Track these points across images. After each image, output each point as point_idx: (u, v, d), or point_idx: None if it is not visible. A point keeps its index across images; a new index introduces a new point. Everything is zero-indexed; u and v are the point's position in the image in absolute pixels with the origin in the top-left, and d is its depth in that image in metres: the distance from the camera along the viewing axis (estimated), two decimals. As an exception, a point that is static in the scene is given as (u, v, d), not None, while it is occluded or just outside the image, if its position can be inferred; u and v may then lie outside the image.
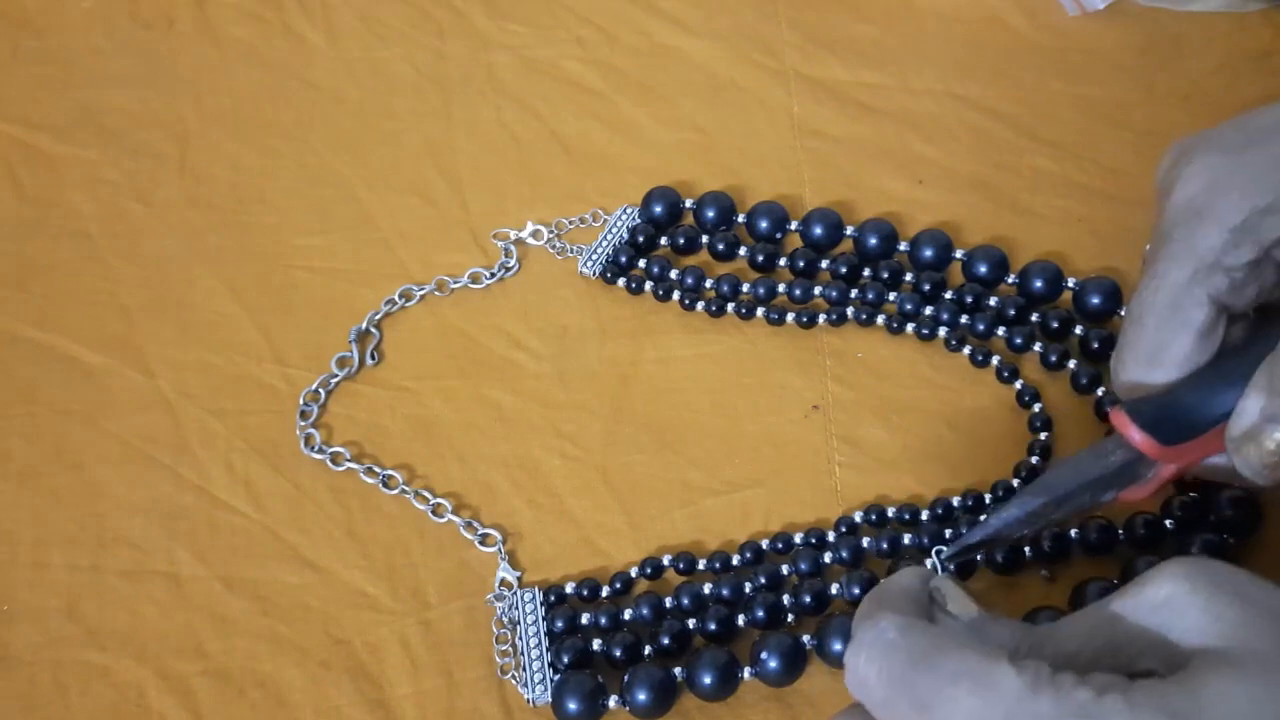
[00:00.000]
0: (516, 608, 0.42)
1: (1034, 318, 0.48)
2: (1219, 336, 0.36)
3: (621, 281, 0.50)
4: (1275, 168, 0.34)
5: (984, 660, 0.28)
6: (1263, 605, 0.28)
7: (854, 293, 0.49)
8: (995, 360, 0.47)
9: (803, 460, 0.46)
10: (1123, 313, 0.47)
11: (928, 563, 0.41)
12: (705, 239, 0.51)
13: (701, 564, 0.43)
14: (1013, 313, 0.47)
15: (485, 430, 0.47)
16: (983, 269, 0.49)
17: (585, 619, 0.42)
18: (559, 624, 0.42)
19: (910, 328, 0.48)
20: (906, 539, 0.42)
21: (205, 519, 0.45)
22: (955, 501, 0.44)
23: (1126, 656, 0.29)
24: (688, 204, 0.52)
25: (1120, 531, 0.42)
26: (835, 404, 0.47)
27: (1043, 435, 0.45)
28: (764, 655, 0.40)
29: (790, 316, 0.49)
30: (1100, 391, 0.46)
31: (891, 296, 0.49)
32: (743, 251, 0.50)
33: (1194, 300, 0.36)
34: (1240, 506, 0.41)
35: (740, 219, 0.52)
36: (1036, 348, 0.47)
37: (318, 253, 0.52)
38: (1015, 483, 0.44)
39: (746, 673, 0.40)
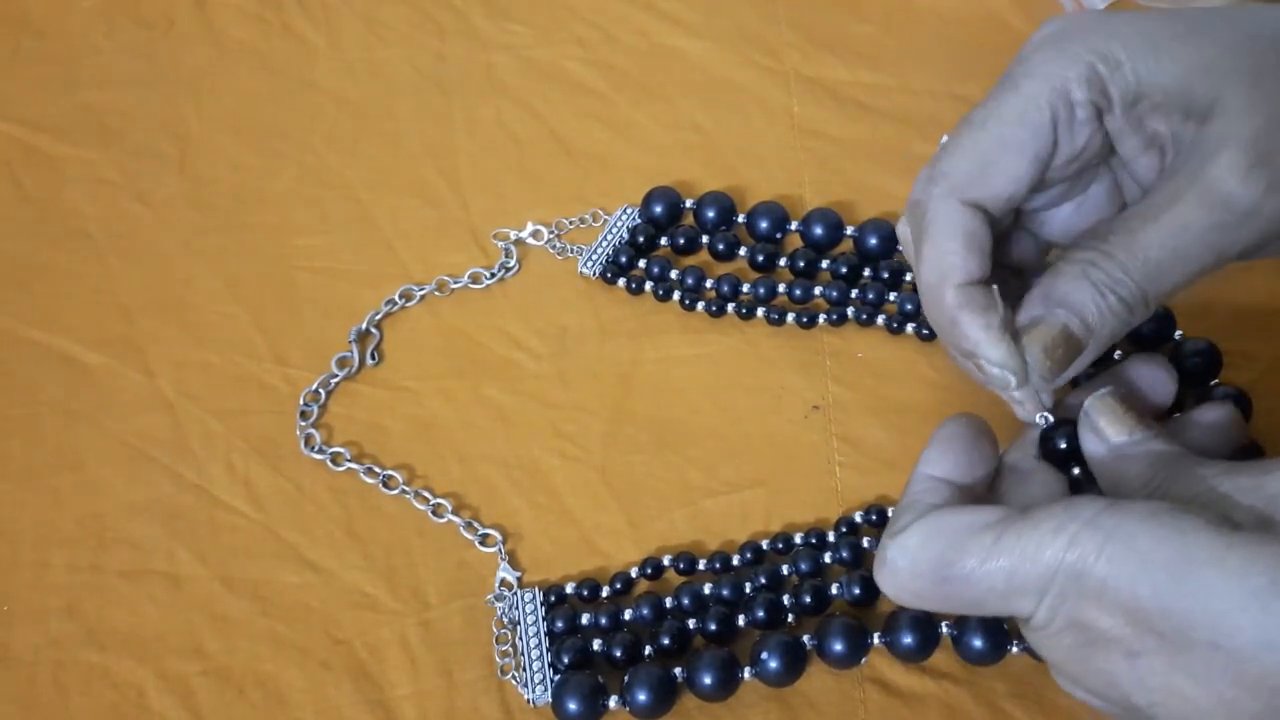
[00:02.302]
0: (516, 608, 0.42)
1: (1034, 318, 0.48)
2: (1045, 164, 0.35)
3: (622, 281, 0.50)
4: (1139, 31, 0.34)
5: (992, 540, 0.30)
6: None
7: (854, 293, 0.49)
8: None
9: (803, 460, 0.46)
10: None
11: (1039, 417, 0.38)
12: (705, 239, 0.51)
13: (702, 564, 0.43)
14: (1013, 313, 0.47)
15: (485, 430, 0.47)
16: (983, 269, 0.49)
17: (585, 619, 0.42)
18: (559, 624, 0.42)
19: (910, 328, 0.48)
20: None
21: (205, 519, 0.45)
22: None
23: (1241, 517, 0.29)
24: (688, 204, 0.52)
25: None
26: (835, 404, 0.47)
27: (1043, 435, 0.45)
28: (764, 655, 0.40)
29: (790, 316, 0.49)
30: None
31: (892, 296, 0.49)
32: (743, 251, 0.50)
33: (1038, 110, 0.34)
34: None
35: (740, 219, 0.52)
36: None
37: (318, 253, 0.52)
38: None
39: (747, 673, 0.40)
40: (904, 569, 0.31)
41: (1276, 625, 0.26)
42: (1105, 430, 0.33)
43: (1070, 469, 0.36)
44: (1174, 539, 0.28)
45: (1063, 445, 0.35)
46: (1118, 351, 0.45)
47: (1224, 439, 0.36)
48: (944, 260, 0.34)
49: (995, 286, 0.34)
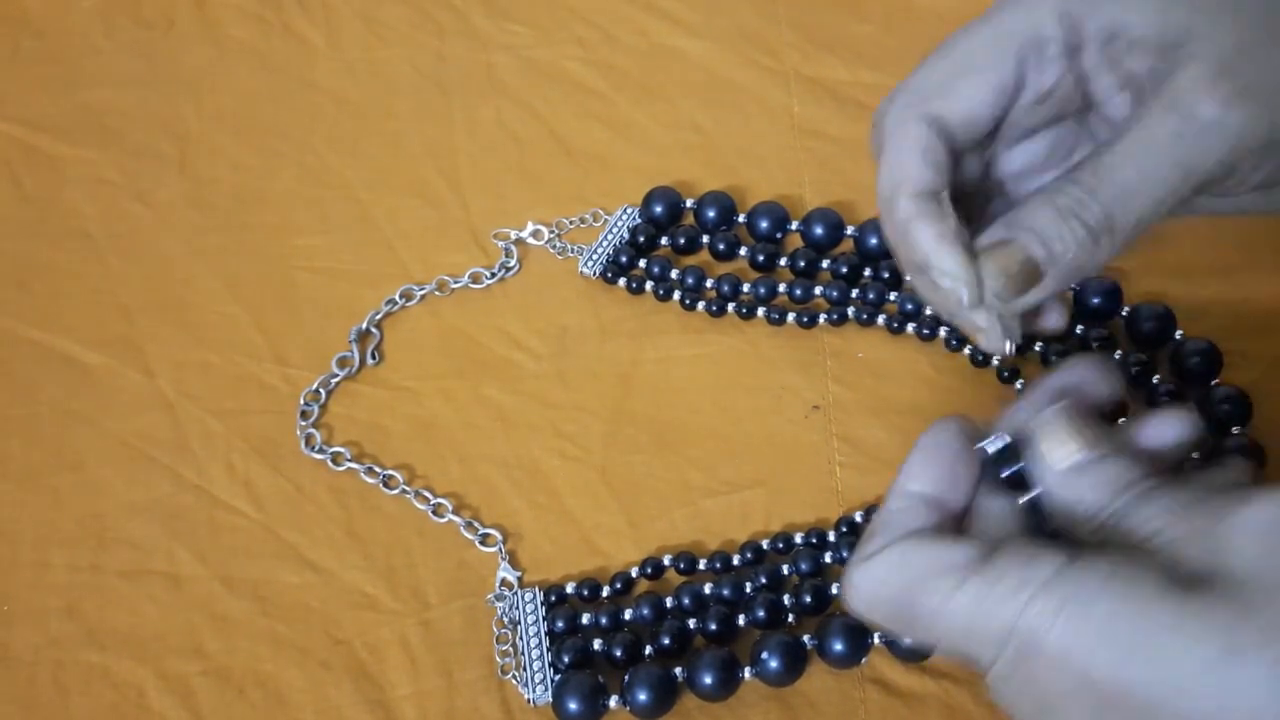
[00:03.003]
0: (517, 608, 0.42)
1: (1034, 318, 0.48)
2: (1008, 94, 0.35)
3: (622, 281, 0.50)
4: None
5: (950, 587, 0.29)
6: None
7: (854, 292, 0.49)
8: (995, 360, 0.47)
9: (803, 460, 0.46)
10: (1123, 313, 0.47)
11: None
12: (705, 239, 0.51)
13: (702, 564, 0.43)
14: (1013, 313, 0.47)
15: (485, 430, 0.47)
16: (983, 269, 0.49)
17: (586, 619, 0.42)
18: (559, 624, 0.42)
19: (911, 328, 0.48)
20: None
21: (205, 519, 0.45)
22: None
23: (1187, 553, 0.28)
24: (688, 204, 0.52)
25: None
26: (836, 404, 0.47)
27: (1043, 435, 0.45)
28: (764, 655, 0.40)
29: (791, 316, 0.49)
30: (1101, 391, 0.46)
31: (892, 296, 0.49)
32: (743, 251, 0.50)
33: (1008, 38, 0.35)
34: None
35: (740, 219, 0.52)
36: (1037, 347, 0.47)
37: (318, 253, 0.52)
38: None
39: (747, 673, 0.40)
40: (867, 596, 0.31)
41: (1233, 693, 0.26)
42: (1051, 456, 0.31)
43: (1024, 490, 0.33)
44: (1132, 605, 0.27)
45: (1005, 474, 0.33)
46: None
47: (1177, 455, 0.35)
48: (898, 170, 0.34)
49: (946, 193, 0.34)
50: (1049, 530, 0.32)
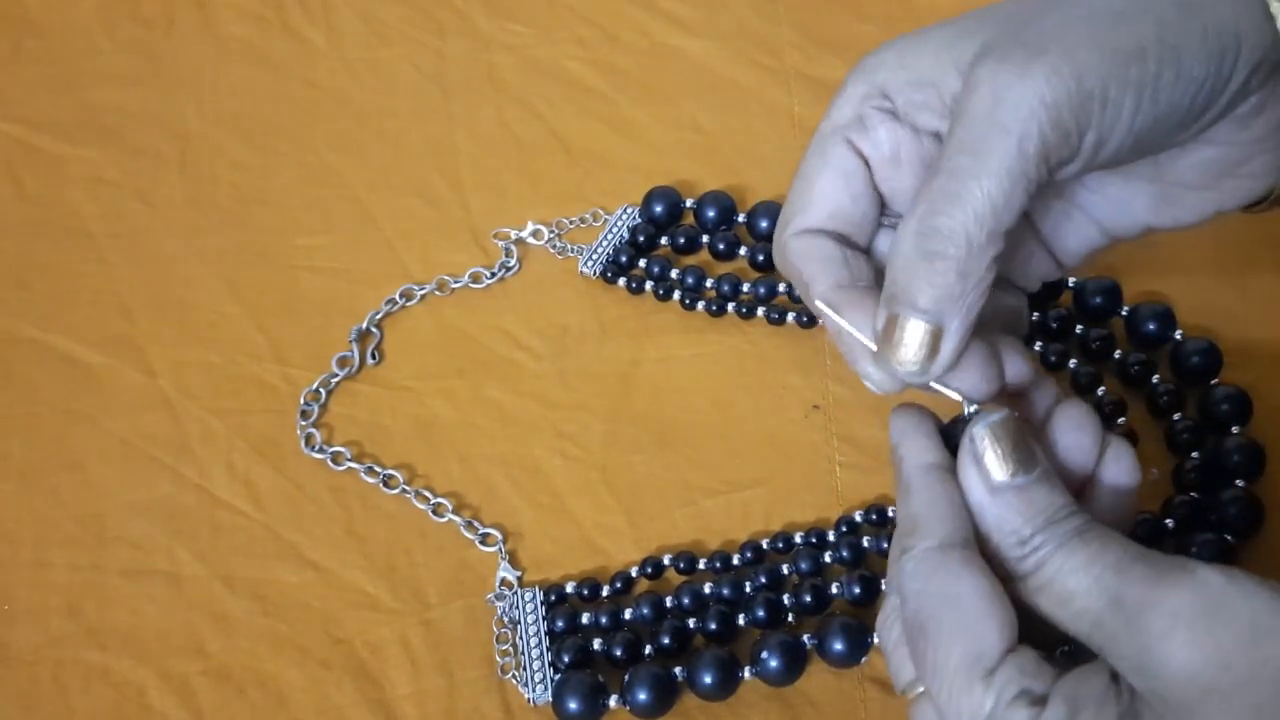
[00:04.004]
0: (517, 607, 0.42)
1: (1034, 317, 0.48)
2: (858, 176, 0.35)
3: (622, 281, 0.50)
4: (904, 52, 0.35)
5: (969, 663, 0.29)
6: (1251, 667, 0.27)
7: (854, 292, 0.49)
8: (995, 360, 0.47)
9: (803, 460, 0.46)
10: (1123, 312, 0.47)
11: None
12: (706, 238, 0.51)
13: (702, 563, 0.43)
14: (1013, 312, 0.47)
15: (486, 430, 0.47)
16: (983, 269, 0.49)
17: (586, 618, 0.42)
18: (559, 623, 0.42)
19: (910, 327, 0.48)
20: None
21: (206, 519, 0.45)
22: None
23: (1106, 642, 0.29)
24: (688, 204, 0.52)
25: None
26: (836, 403, 0.47)
27: (1043, 435, 0.45)
28: (765, 655, 0.40)
29: (791, 316, 0.49)
30: (1101, 391, 0.46)
31: (892, 296, 0.48)
32: (743, 251, 0.50)
33: (827, 136, 0.36)
34: (1241, 506, 0.41)
35: (740, 219, 0.52)
36: (1036, 347, 0.47)
37: (319, 252, 0.52)
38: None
39: (747, 672, 0.40)
40: (908, 591, 0.31)
41: None
42: (989, 466, 0.31)
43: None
44: None
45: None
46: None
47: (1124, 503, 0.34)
48: (809, 277, 0.35)
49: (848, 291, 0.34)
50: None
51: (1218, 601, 0.27)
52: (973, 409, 0.32)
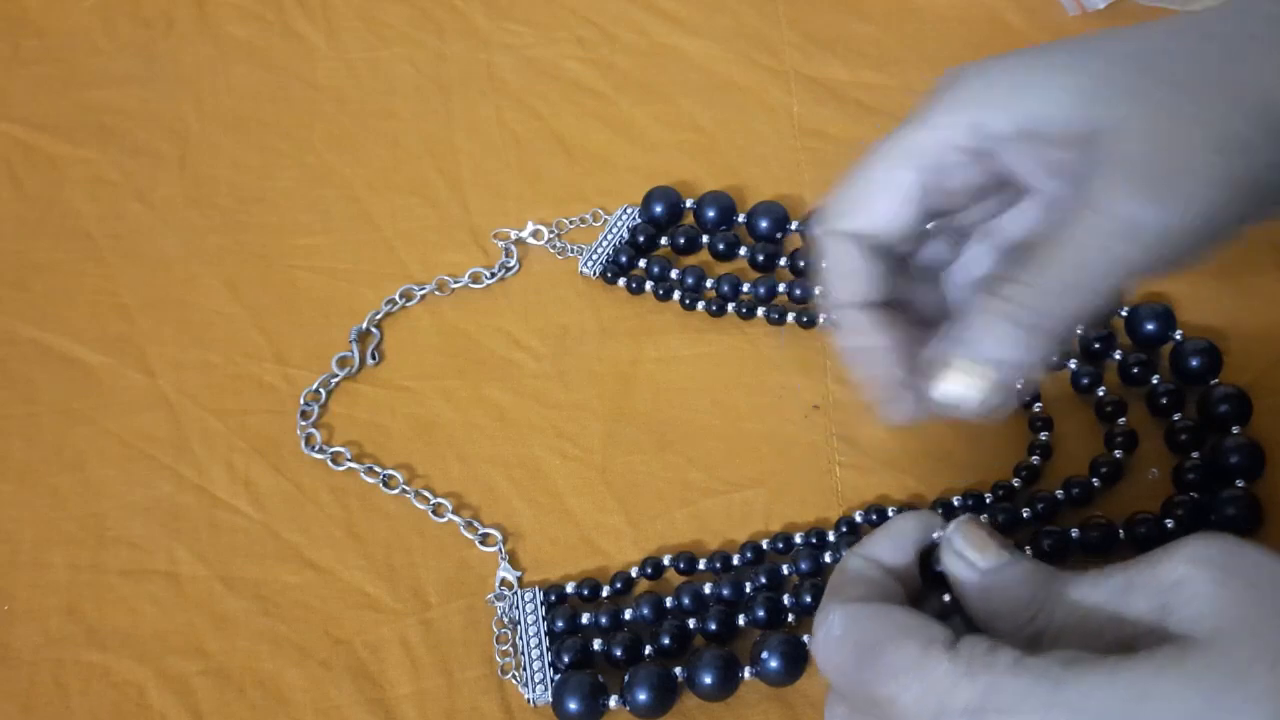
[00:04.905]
0: (517, 607, 0.42)
1: (1034, 317, 0.48)
2: (919, 202, 0.36)
3: (622, 281, 0.50)
4: (1017, 69, 0.35)
5: (920, 652, 0.29)
6: (1271, 600, 0.28)
7: (854, 293, 0.49)
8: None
9: (803, 460, 0.46)
10: (1123, 313, 0.47)
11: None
12: (705, 239, 0.51)
13: (702, 564, 0.43)
14: (1013, 312, 0.47)
15: (485, 430, 0.47)
16: (983, 269, 0.49)
17: (586, 619, 0.42)
18: (559, 624, 0.42)
19: (910, 327, 0.48)
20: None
21: (205, 519, 0.45)
22: (956, 501, 0.44)
23: (1132, 628, 0.29)
24: (688, 204, 0.52)
25: (1120, 531, 0.42)
26: (835, 404, 0.47)
27: (1043, 435, 0.45)
28: (765, 655, 0.40)
29: (791, 316, 0.49)
30: (1101, 392, 0.46)
31: (892, 296, 0.49)
32: (743, 251, 0.50)
33: (911, 157, 0.36)
34: (1241, 506, 0.41)
35: (740, 219, 0.52)
36: (1037, 347, 0.47)
37: (318, 252, 0.52)
38: (1015, 483, 0.44)
39: (747, 672, 0.40)
40: (838, 635, 0.31)
41: None
42: (971, 556, 0.32)
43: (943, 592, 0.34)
44: (1099, 686, 0.27)
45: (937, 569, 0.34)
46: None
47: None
48: (835, 285, 0.37)
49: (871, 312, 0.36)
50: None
51: (1233, 551, 0.29)
52: (937, 535, 0.34)
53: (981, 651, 0.29)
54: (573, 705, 0.40)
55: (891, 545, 0.34)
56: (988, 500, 0.44)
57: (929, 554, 0.34)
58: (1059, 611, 0.30)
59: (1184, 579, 0.28)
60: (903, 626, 0.30)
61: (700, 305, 0.49)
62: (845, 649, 0.31)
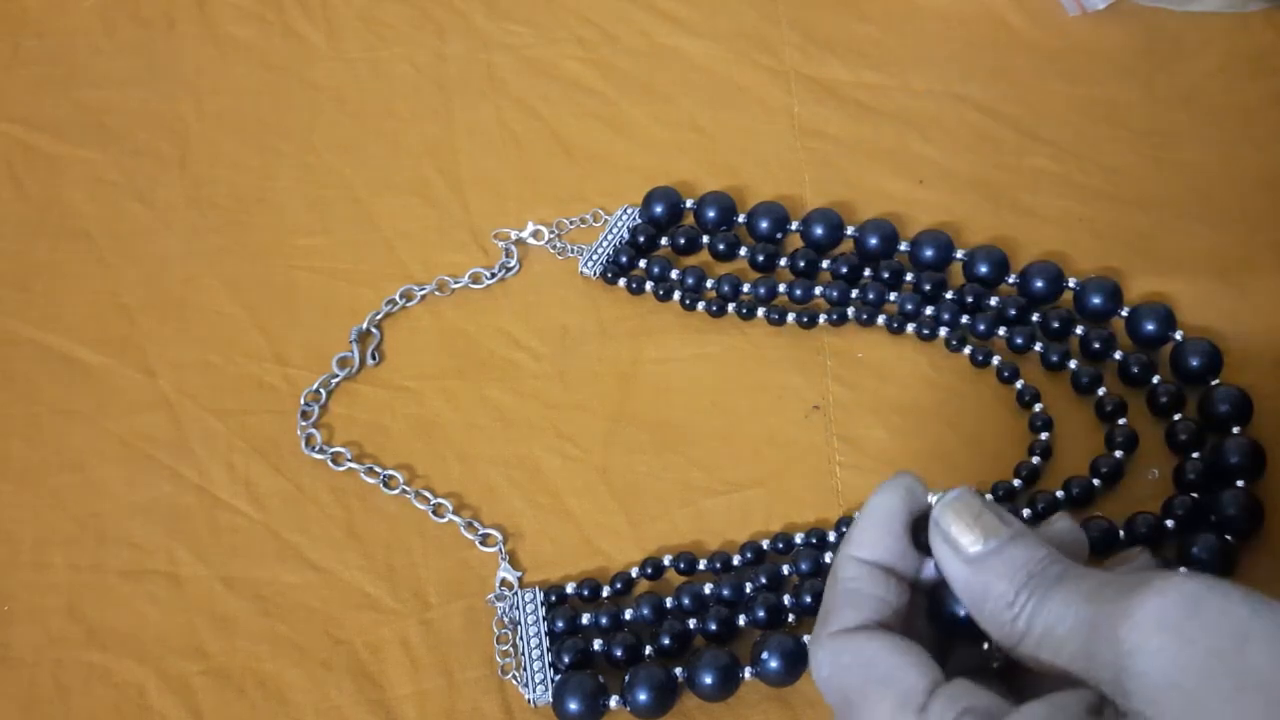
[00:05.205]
0: (517, 608, 0.42)
1: (1034, 318, 0.48)
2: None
3: (622, 282, 0.50)
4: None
5: (891, 713, 0.28)
6: (1237, 668, 0.25)
7: (854, 293, 0.49)
8: (996, 360, 0.47)
9: (803, 460, 0.46)
10: (1123, 313, 0.47)
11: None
12: (706, 239, 0.51)
13: (702, 564, 0.43)
14: (1013, 313, 0.47)
15: (486, 430, 0.47)
16: (983, 269, 0.49)
17: (586, 619, 0.42)
18: (560, 624, 0.42)
19: (911, 328, 0.48)
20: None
21: (206, 519, 0.45)
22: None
23: (1094, 675, 0.27)
24: (688, 204, 0.52)
25: (1120, 532, 0.42)
26: (836, 404, 0.47)
27: (1043, 435, 0.45)
28: (765, 655, 0.40)
29: (791, 317, 0.49)
30: (1101, 392, 0.46)
31: (892, 296, 0.49)
32: (743, 252, 0.50)
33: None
34: (1241, 506, 0.41)
35: (740, 219, 0.52)
36: (1037, 348, 0.47)
37: (318, 253, 0.52)
38: (1016, 483, 0.44)
39: (747, 673, 0.40)
40: (826, 674, 0.31)
41: None
42: (960, 541, 0.30)
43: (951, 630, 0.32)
44: None
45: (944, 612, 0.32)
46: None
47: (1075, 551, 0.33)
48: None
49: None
50: (953, 616, 0.31)
51: (1191, 608, 0.26)
52: (933, 498, 0.32)
53: (952, 714, 0.27)
54: (573, 705, 0.40)
55: (876, 534, 0.32)
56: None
57: (921, 522, 0.32)
58: (1039, 619, 0.29)
59: (1138, 648, 0.26)
60: (882, 677, 0.29)
61: (700, 306, 0.49)
62: (831, 692, 0.30)
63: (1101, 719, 0.27)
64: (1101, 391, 0.46)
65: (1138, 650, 0.26)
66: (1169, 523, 0.42)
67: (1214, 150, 0.53)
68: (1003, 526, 0.30)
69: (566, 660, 0.41)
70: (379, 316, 0.50)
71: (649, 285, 0.50)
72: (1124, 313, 0.47)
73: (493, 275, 0.51)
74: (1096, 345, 0.47)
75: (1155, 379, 0.46)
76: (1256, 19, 0.57)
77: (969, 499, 0.31)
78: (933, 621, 0.32)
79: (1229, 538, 0.41)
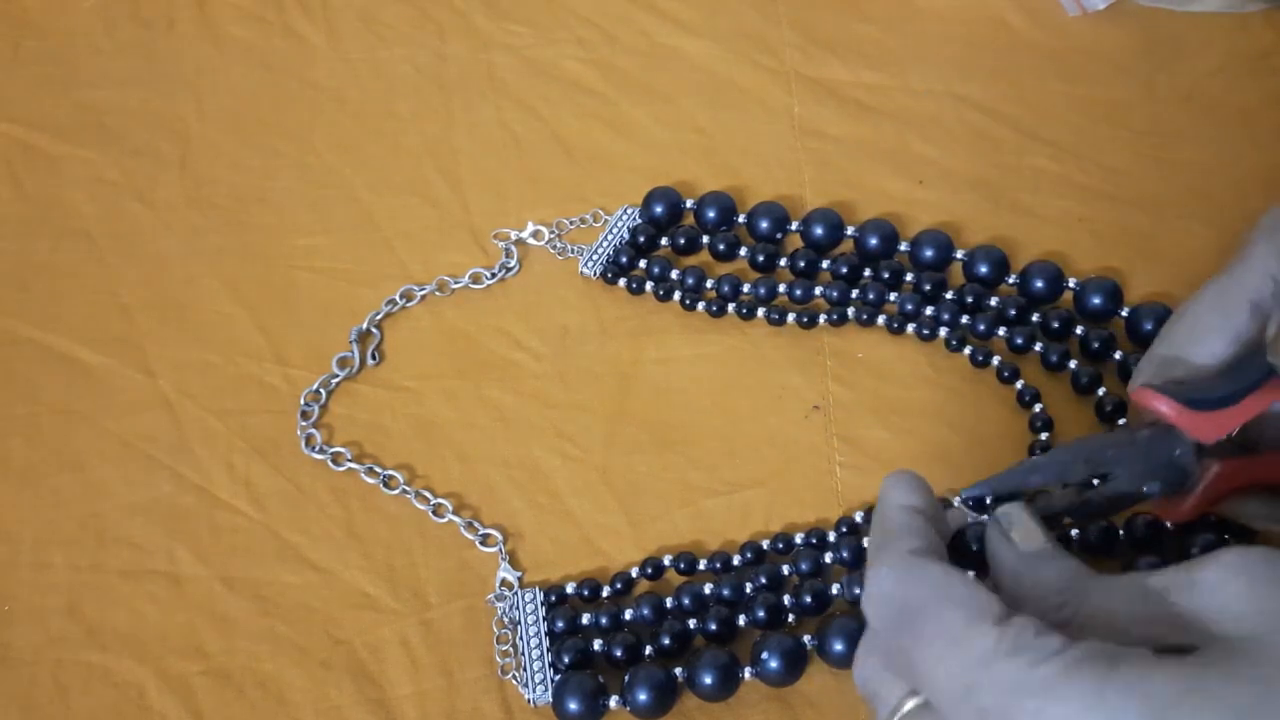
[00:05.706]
0: (517, 608, 0.42)
1: (1034, 318, 0.48)
2: (1246, 340, 0.38)
3: (622, 282, 0.50)
4: None
5: (966, 622, 0.29)
6: None
7: (854, 293, 0.49)
8: (996, 360, 0.47)
9: (803, 460, 0.46)
10: (1124, 313, 0.47)
11: (955, 500, 0.42)
12: (706, 239, 0.51)
13: (702, 564, 0.43)
14: (1013, 313, 0.47)
15: (486, 430, 0.47)
16: (983, 269, 0.49)
17: (586, 619, 0.42)
18: (559, 624, 0.42)
19: (911, 328, 0.48)
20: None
21: (206, 519, 0.45)
22: (956, 501, 0.44)
23: (1163, 629, 0.29)
24: (688, 204, 0.52)
25: (1120, 532, 0.42)
26: (836, 404, 0.47)
27: (1043, 435, 0.45)
28: (765, 655, 0.40)
29: (791, 317, 0.49)
30: (1101, 392, 0.46)
31: (892, 297, 0.49)
32: (743, 252, 0.50)
33: (1244, 295, 0.38)
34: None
35: (741, 219, 0.52)
36: (1037, 348, 0.47)
37: (318, 253, 0.52)
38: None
39: (747, 673, 0.40)
40: (887, 590, 0.32)
41: None
42: (1017, 538, 0.33)
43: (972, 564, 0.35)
44: (1139, 683, 0.27)
45: (975, 548, 0.35)
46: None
47: None
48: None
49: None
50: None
51: (1271, 555, 0.29)
52: (957, 500, 0.35)
53: (1030, 634, 0.29)
54: (573, 705, 0.40)
55: (918, 489, 0.34)
56: (988, 501, 0.44)
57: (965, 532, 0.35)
58: (1086, 606, 0.31)
59: (1222, 583, 0.29)
60: (952, 596, 0.30)
61: (700, 306, 0.49)
62: (891, 607, 0.31)
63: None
64: (1101, 391, 0.46)
65: (1223, 585, 0.29)
66: (1169, 523, 0.42)
67: (1214, 150, 0.53)
68: (1052, 541, 0.34)
69: (566, 660, 0.41)
70: (379, 316, 0.50)
71: (649, 285, 0.50)
72: (1124, 313, 0.47)
73: (493, 275, 0.51)
74: (1096, 345, 0.47)
75: (1155, 379, 0.46)
76: (1256, 19, 0.57)
77: (1027, 508, 0.34)
78: None
79: (1228, 538, 0.41)
